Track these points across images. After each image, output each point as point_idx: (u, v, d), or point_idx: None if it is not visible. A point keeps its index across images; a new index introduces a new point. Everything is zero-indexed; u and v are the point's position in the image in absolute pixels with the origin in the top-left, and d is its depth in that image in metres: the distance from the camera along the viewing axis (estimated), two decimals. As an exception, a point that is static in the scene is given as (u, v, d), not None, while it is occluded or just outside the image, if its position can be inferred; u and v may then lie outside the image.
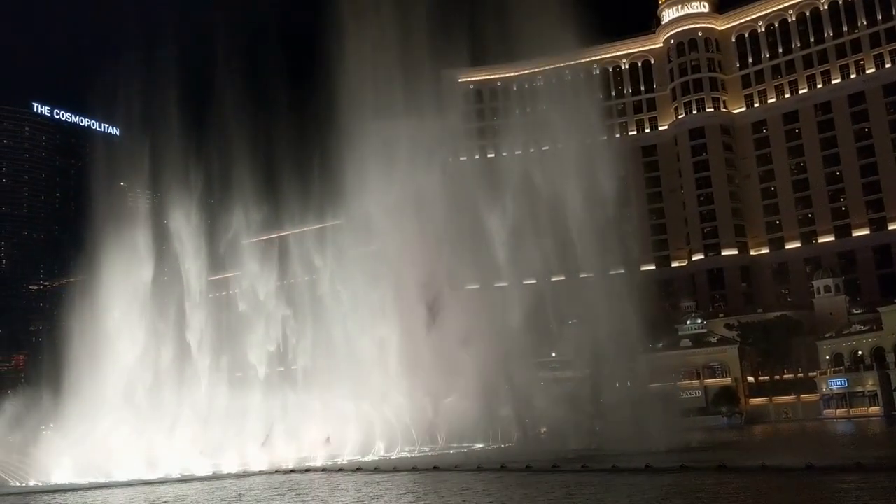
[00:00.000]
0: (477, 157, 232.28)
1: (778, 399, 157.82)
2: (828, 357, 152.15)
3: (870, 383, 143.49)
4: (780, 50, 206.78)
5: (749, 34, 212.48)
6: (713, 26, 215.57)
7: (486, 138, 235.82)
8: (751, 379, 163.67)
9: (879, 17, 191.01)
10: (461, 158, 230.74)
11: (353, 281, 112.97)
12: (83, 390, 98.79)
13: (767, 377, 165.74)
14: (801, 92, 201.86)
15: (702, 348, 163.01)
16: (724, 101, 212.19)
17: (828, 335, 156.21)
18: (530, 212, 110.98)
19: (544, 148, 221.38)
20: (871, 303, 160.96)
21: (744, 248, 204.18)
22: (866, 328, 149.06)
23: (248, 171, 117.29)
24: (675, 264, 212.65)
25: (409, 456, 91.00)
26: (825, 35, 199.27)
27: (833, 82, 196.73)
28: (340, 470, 76.19)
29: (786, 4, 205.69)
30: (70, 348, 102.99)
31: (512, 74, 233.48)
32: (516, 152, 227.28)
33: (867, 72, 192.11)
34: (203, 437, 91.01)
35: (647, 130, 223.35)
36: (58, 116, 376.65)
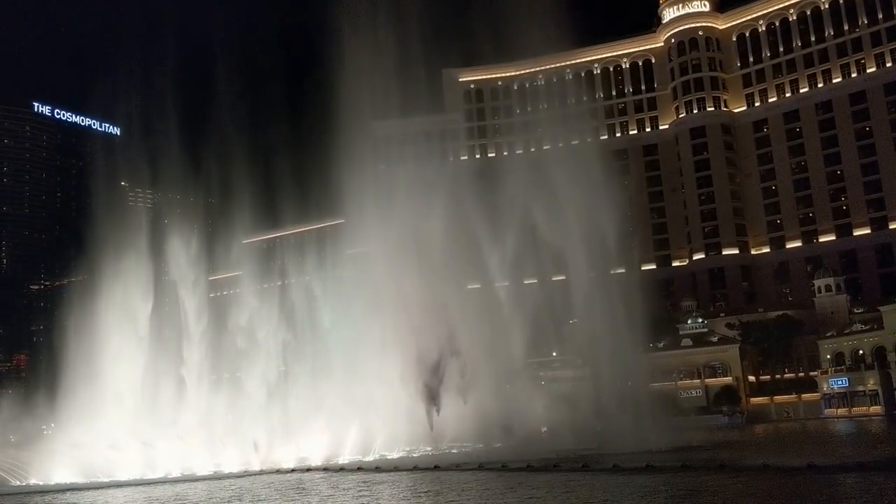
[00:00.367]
0: (478, 156, 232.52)
1: (779, 398, 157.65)
2: (829, 356, 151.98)
3: (871, 382, 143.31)
4: (781, 49, 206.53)
5: (750, 33, 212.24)
6: (714, 25, 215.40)
7: (487, 137, 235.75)
8: (752, 378, 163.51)
9: (880, 15, 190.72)
10: (462, 158, 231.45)
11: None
12: (84, 390, 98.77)
13: (768, 376, 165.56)
14: (801, 91, 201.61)
15: (703, 347, 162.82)
16: (724, 101, 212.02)
17: (829, 334, 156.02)
18: (530, 212, 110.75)
19: (545, 147, 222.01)
20: (872, 302, 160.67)
21: (745, 248, 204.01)
22: (867, 327, 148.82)
23: (248, 178, 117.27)
24: (675, 263, 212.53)
25: (410, 455, 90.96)
26: (826, 34, 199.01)
27: (834, 81, 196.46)
28: (341, 469, 76.18)
29: (786, 3, 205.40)
30: (70, 348, 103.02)
31: (513, 74, 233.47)
32: (517, 152, 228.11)
33: (868, 71, 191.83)
34: (203, 437, 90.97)
35: (648, 130, 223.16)
36: (59, 116, 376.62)
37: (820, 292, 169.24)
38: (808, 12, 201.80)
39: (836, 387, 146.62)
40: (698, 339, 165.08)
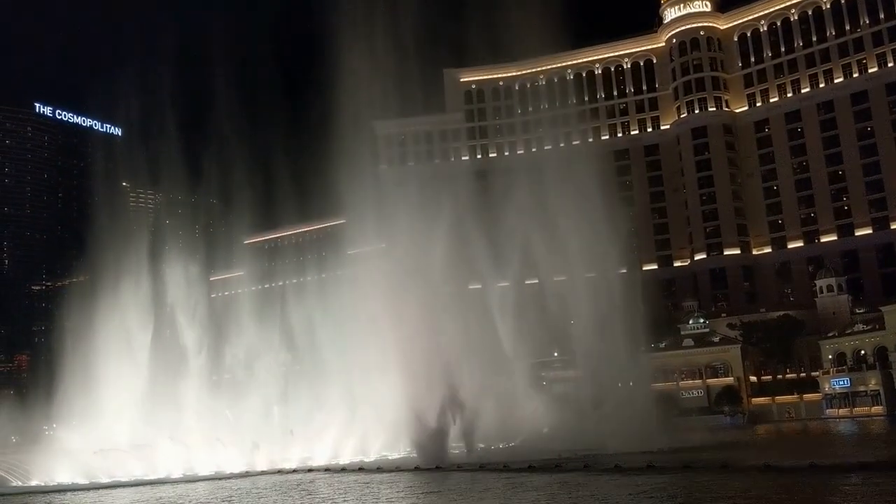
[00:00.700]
0: (479, 156, 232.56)
1: (780, 398, 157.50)
2: (830, 356, 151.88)
3: (872, 383, 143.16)
4: (783, 49, 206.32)
5: (751, 33, 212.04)
6: (715, 25, 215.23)
7: (488, 137, 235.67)
8: (753, 378, 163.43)
9: (882, 15, 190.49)
10: (463, 158, 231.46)
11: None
12: (85, 390, 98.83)
13: (770, 377, 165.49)
14: (803, 91, 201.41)
15: (704, 348, 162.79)
16: (726, 101, 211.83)
17: (830, 334, 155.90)
18: (532, 214, 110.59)
19: (546, 147, 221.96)
20: (873, 302, 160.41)
21: (746, 248, 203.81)
22: (869, 327, 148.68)
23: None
24: (677, 264, 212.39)
25: (412, 456, 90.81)
26: (827, 34, 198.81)
27: (835, 81, 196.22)
28: (343, 470, 76.12)
29: (788, 3, 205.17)
30: (71, 349, 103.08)
31: (514, 74, 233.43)
32: (518, 152, 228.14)
33: (869, 71, 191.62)
34: (204, 438, 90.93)
35: (650, 130, 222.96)
36: (60, 117, 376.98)
37: (821, 292, 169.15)
38: (810, 12, 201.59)
39: (837, 387, 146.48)
40: (700, 339, 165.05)
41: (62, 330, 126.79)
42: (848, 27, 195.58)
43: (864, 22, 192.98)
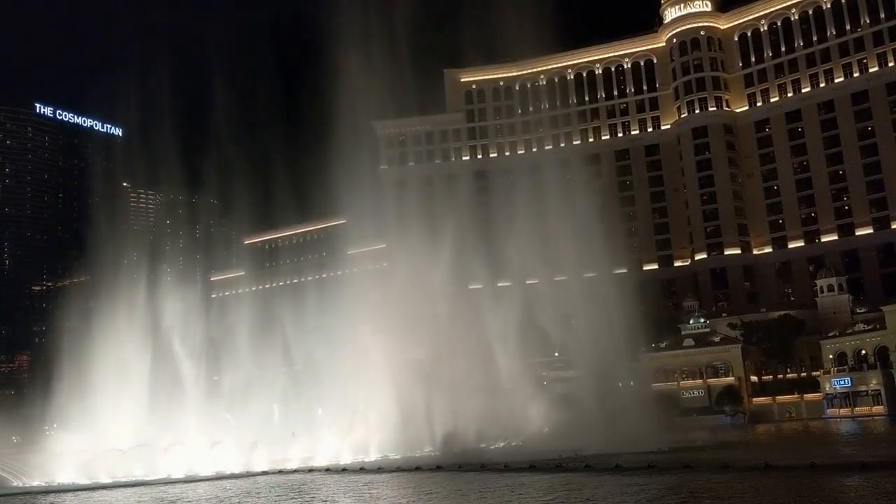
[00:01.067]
0: (479, 156, 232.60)
1: (781, 398, 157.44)
2: (831, 356, 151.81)
3: (873, 382, 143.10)
4: (783, 49, 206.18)
5: (751, 33, 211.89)
6: (715, 25, 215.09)
7: (488, 137, 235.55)
8: (754, 378, 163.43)
9: (882, 15, 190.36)
10: (463, 158, 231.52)
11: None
12: (85, 391, 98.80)
13: (770, 376, 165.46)
14: (803, 91, 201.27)
15: (705, 348, 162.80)
16: (726, 101, 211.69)
17: (831, 334, 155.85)
18: (531, 215, 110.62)
19: (547, 147, 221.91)
20: (874, 302, 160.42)
21: (747, 248, 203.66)
22: (870, 327, 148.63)
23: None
24: (678, 263, 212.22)
25: (412, 456, 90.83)
26: (828, 34, 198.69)
27: (836, 81, 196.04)
28: (344, 470, 76.11)
29: (788, 3, 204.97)
30: (71, 349, 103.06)
31: (514, 74, 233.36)
32: (519, 152, 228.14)
33: (870, 70, 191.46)
34: (204, 438, 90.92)
35: (650, 130, 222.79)
36: (60, 117, 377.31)
37: (822, 292, 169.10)
38: (810, 12, 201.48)
39: (838, 387, 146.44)
40: (700, 339, 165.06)
41: (62, 330, 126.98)
42: (848, 27, 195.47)
43: (865, 21, 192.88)
